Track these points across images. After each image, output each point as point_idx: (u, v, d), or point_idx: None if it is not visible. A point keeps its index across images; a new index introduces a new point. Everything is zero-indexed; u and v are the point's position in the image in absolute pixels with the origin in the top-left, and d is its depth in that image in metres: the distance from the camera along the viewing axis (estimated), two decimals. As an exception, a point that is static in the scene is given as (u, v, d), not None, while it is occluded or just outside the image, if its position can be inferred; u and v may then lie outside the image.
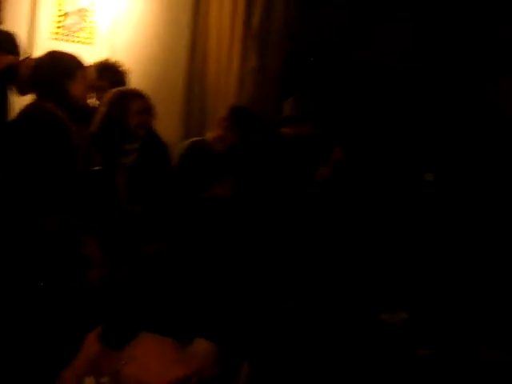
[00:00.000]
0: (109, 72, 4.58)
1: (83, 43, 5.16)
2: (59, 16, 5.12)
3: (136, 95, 4.10)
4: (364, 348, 3.60)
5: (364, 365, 3.50)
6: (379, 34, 6.50)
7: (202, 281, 2.99)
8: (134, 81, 4.77)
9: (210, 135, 4.78)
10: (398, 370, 3.55)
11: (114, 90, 4.16)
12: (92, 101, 4.31)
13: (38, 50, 4.65)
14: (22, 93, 4.15)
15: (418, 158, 6.21)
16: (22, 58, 4.24)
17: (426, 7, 6.79)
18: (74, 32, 5.14)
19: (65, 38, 5.13)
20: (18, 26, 4.85)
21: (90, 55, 4.64)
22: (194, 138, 4.88)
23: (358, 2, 6.54)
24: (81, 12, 5.13)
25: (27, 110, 3.72)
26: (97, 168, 3.81)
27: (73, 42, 5.13)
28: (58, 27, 5.12)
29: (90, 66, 4.24)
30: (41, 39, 5.07)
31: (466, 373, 3.67)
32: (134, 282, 2.83)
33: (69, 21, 5.12)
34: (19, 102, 4.19)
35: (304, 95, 4.46)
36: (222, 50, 5.20)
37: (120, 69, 4.67)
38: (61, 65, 3.73)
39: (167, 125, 4.82)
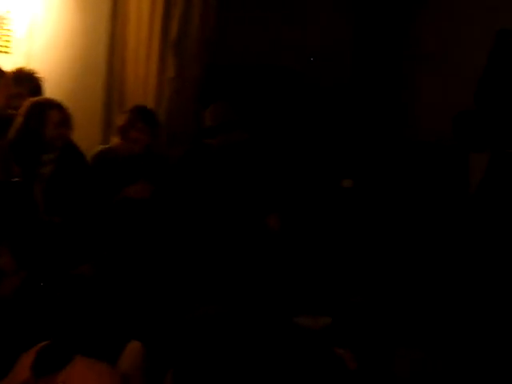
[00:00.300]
0: (25, 80, 4.51)
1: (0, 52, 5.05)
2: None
3: (54, 106, 4.06)
4: (285, 353, 3.63)
5: (285, 370, 3.54)
6: (297, 40, 6.59)
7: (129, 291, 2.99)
8: (51, 90, 4.69)
9: (117, 140, 4.71)
10: (319, 373, 3.60)
11: (32, 99, 4.10)
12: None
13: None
14: None
15: (336, 164, 6.31)
16: None
17: (343, 13, 6.92)
18: (-10, 41, 5.03)
19: (-19, 47, 5.01)
20: None
21: (6, 64, 4.55)
22: (101, 146, 4.85)
23: (276, 10, 6.62)
24: (-3, 20, 5.03)
25: None
26: (16, 179, 3.76)
27: (-11, 50, 5.02)
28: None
29: (8, 74, 4.18)
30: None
31: (384, 373, 3.75)
32: (68, 305, 2.79)
33: (-16, 29, 5.00)
34: None
35: (223, 104, 4.49)
36: (140, 59, 5.17)
37: (36, 77, 4.61)
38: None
39: (86, 133, 4.77)
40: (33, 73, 4.61)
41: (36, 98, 4.15)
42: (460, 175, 5.47)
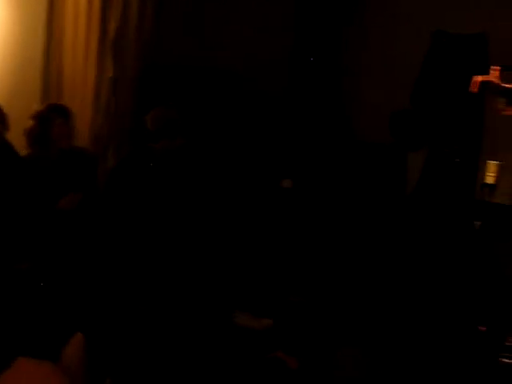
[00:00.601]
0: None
1: None
2: None
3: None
4: (225, 354, 3.64)
5: (224, 371, 3.54)
6: (237, 42, 6.57)
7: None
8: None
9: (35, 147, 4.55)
10: (261, 375, 3.61)
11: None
12: None
13: None
14: None
15: (275, 165, 6.32)
16: None
17: (283, 14, 6.93)
18: None
19: None
20: None
21: None
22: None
23: (216, 11, 6.59)
24: None
25: None
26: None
27: None
28: None
29: None
30: None
31: (324, 372, 3.77)
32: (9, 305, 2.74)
33: None
34: None
35: (165, 108, 4.45)
36: (78, 60, 5.09)
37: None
38: None
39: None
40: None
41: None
42: (397, 174, 5.54)
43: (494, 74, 3.86)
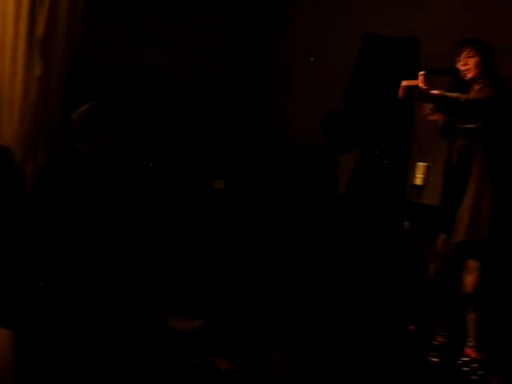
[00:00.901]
0: None
1: None
2: None
3: None
4: (154, 356, 3.61)
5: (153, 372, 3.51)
6: (169, 42, 6.54)
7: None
8: None
9: None
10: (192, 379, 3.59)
11: None
12: None
13: None
14: None
15: (207, 165, 6.30)
16: None
17: (214, 13, 6.92)
18: None
19: None
20: None
21: None
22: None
23: (147, 11, 6.54)
24: None
25: None
26: None
27: None
28: None
29: None
30: None
31: (256, 374, 3.78)
32: None
33: None
34: None
35: (94, 107, 4.38)
36: (5, 59, 4.98)
37: None
38: None
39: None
40: None
41: None
42: (328, 176, 5.60)
43: (420, 79, 3.93)
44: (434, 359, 4.26)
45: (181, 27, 6.61)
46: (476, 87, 4.05)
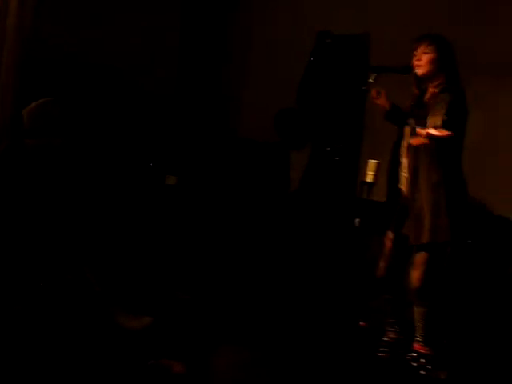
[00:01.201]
0: None
1: None
2: None
3: None
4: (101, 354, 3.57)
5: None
6: (121, 39, 6.47)
7: None
8: None
9: None
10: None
11: None
12: None
13: None
14: None
15: (159, 161, 6.26)
16: None
17: (168, 12, 6.88)
18: None
19: None
20: None
21: None
22: None
23: (101, 7, 6.47)
24: None
25: None
26: None
27: None
28: None
29: None
30: None
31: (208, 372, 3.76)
32: None
33: None
34: None
35: (45, 104, 4.31)
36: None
37: None
38: None
39: None
40: None
41: None
42: (281, 172, 5.60)
43: (372, 93, 4.00)
44: (385, 355, 4.29)
45: (135, 23, 6.56)
46: (431, 89, 3.98)
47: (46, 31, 5.56)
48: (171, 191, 6.00)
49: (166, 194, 5.94)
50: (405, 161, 4.09)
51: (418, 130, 3.81)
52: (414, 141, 3.89)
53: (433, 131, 3.69)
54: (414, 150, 4.02)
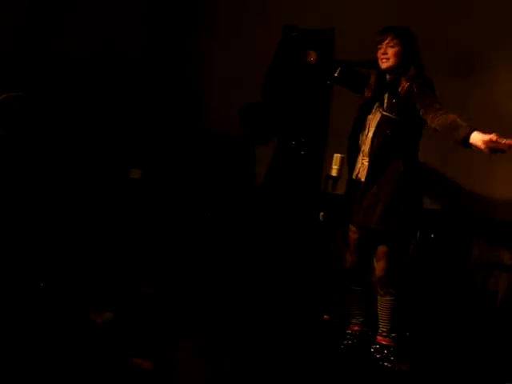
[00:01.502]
0: None
1: None
2: None
3: None
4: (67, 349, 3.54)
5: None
6: (83, 28, 6.40)
7: None
8: None
9: None
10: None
11: None
12: None
13: None
14: None
15: (124, 155, 6.21)
16: None
17: (133, 4, 6.84)
18: None
19: None
20: None
21: None
22: None
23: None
24: None
25: None
26: None
27: None
28: None
29: None
30: None
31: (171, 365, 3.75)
32: None
33: None
34: None
35: (8, 99, 4.26)
36: None
37: None
38: None
39: None
40: None
41: None
42: (245, 166, 5.60)
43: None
44: (349, 347, 4.32)
45: (101, 15, 6.49)
46: (404, 82, 3.99)
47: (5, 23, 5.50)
48: (136, 185, 5.96)
49: (130, 188, 5.90)
50: (367, 149, 4.11)
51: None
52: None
53: None
54: (378, 138, 4.03)
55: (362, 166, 4.14)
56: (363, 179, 4.10)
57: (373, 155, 4.05)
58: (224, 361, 3.89)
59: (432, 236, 4.99)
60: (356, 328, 4.38)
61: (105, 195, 5.54)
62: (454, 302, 4.77)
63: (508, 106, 5.01)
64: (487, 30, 5.13)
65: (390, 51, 4.00)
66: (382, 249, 4.12)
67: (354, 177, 4.19)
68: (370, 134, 4.09)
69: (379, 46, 4.03)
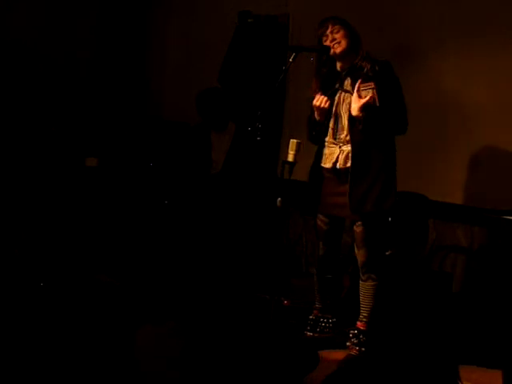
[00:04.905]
0: None
1: None
2: None
3: None
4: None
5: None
6: (30, 12, 6.31)
7: None
8: None
9: None
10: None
11: None
12: None
13: None
14: None
15: (79, 143, 6.17)
16: None
17: None
18: None
19: None
20: None
21: None
22: None
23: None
24: None
25: None
26: None
27: None
28: None
29: None
30: None
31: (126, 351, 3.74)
32: None
33: None
34: None
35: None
36: None
37: None
38: None
39: None
40: None
41: None
42: (203, 154, 5.58)
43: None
44: (310, 333, 4.34)
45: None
46: (360, 62, 4.01)
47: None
48: (92, 173, 5.91)
49: (86, 177, 5.85)
50: (343, 136, 4.09)
51: None
52: None
53: None
54: (357, 124, 3.99)
55: (342, 153, 4.12)
56: (346, 166, 4.08)
57: (356, 142, 4.03)
58: (179, 339, 3.88)
59: (389, 219, 5.01)
60: (317, 313, 4.39)
61: (60, 184, 5.50)
62: (410, 284, 4.80)
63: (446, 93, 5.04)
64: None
65: (338, 35, 4.04)
66: (361, 235, 4.11)
67: (327, 165, 4.18)
68: (345, 121, 4.07)
69: (324, 38, 4.07)
